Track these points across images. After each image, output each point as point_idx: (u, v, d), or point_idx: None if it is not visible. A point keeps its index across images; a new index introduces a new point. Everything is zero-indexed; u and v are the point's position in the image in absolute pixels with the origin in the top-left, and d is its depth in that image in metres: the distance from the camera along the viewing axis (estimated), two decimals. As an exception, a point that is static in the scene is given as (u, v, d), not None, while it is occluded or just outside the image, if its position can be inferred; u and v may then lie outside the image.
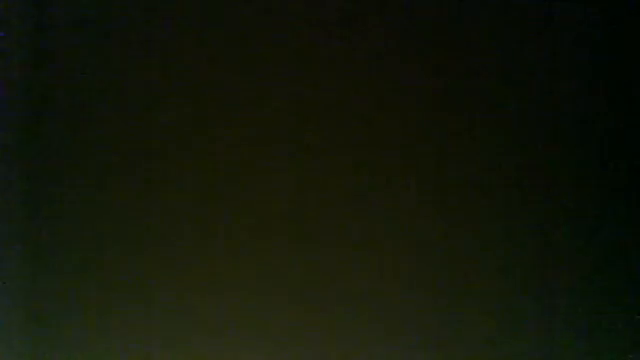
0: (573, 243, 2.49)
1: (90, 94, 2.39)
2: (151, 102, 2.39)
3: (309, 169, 2.41)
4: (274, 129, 2.41)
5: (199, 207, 2.39)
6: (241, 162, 2.40)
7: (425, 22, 2.47)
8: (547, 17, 2.52)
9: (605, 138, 2.52)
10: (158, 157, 2.39)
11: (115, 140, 2.38)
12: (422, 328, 2.42)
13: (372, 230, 2.43)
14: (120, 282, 2.36)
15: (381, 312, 2.42)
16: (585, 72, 2.53)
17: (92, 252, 2.36)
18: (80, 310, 2.36)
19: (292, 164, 2.41)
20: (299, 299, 2.40)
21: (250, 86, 2.42)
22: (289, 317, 2.40)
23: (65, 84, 2.38)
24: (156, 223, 2.38)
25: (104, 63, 2.39)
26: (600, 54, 2.53)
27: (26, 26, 2.38)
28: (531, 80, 2.51)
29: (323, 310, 2.40)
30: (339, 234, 2.42)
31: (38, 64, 2.38)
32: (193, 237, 2.38)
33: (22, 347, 2.34)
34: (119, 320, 2.36)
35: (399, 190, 2.44)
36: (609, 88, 2.53)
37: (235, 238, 2.39)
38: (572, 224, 2.49)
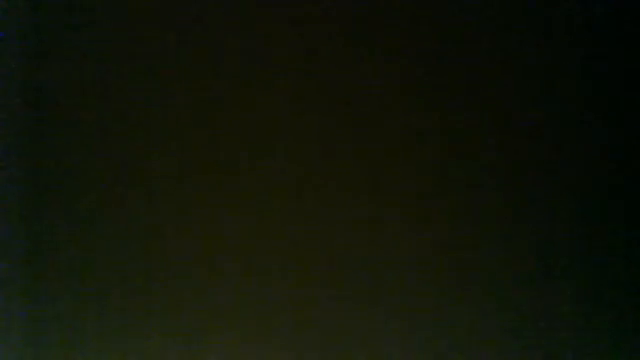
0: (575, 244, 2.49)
1: (90, 94, 2.40)
2: (152, 101, 2.40)
3: (310, 171, 2.42)
4: (274, 129, 2.42)
5: (200, 207, 2.40)
6: (241, 162, 2.41)
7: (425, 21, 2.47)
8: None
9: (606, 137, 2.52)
10: (159, 157, 2.40)
11: (116, 140, 2.39)
12: (425, 329, 2.43)
13: (371, 232, 2.43)
14: (121, 282, 2.37)
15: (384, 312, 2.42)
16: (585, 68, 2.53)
17: (92, 252, 2.37)
18: (80, 311, 2.36)
19: (292, 165, 2.42)
20: (301, 299, 2.40)
21: (251, 85, 2.43)
22: (290, 317, 2.40)
23: (65, 84, 2.39)
24: (157, 223, 2.38)
25: (104, 63, 2.40)
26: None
27: (26, 26, 2.39)
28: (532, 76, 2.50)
29: (326, 310, 2.41)
30: (340, 235, 2.42)
31: (38, 64, 2.39)
32: (194, 237, 2.39)
33: (22, 347, 2.35)
34: (119, 321, 2.37)
35: (399, 190, 2.45)
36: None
37: (235, 238, 2.40)
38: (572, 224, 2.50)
